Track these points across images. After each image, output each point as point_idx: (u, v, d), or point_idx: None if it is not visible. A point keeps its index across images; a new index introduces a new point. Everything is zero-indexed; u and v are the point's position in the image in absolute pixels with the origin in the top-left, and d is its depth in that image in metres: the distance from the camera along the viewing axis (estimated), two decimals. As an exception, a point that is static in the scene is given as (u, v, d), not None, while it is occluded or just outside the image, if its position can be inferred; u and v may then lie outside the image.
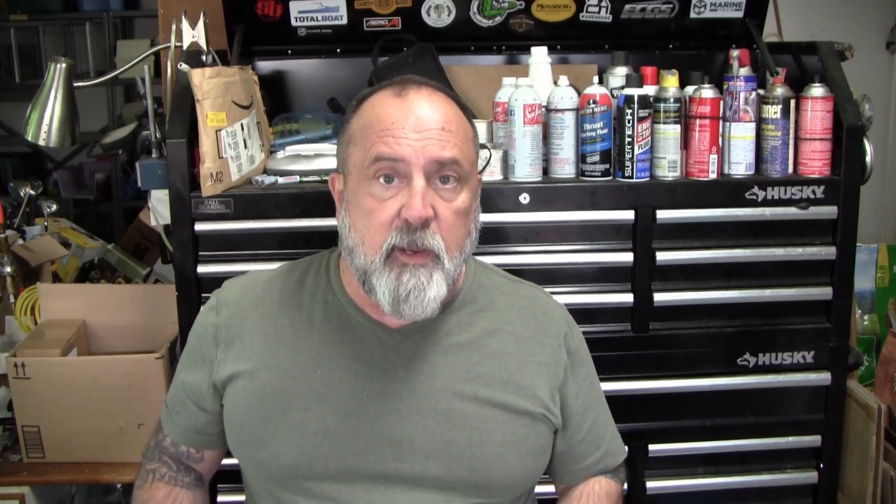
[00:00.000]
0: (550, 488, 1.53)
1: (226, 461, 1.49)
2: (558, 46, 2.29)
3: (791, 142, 1.95)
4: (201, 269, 1.84)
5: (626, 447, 1.53)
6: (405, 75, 1.34)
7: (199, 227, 1.83)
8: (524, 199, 1.87)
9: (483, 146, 1.91)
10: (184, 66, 1.81)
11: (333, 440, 1.29)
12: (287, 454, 1.29)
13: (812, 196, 1.92)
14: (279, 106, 2.27)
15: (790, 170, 1.96)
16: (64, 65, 1.84)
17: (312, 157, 1.91)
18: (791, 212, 1.93)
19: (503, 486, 1.33)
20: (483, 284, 1.41)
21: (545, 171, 1.93)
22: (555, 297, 1.88)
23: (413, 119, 1.24)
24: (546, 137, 1.92)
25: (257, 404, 1.32)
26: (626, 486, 1.95)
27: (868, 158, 1.95)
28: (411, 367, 1.31)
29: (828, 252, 1.95)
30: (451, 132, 1.26)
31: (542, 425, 1.36)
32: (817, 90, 1.94)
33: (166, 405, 1.46)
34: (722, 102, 1.92)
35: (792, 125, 1.94)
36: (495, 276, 1.46)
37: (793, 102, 1.94)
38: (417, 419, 1.29)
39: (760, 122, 1.94)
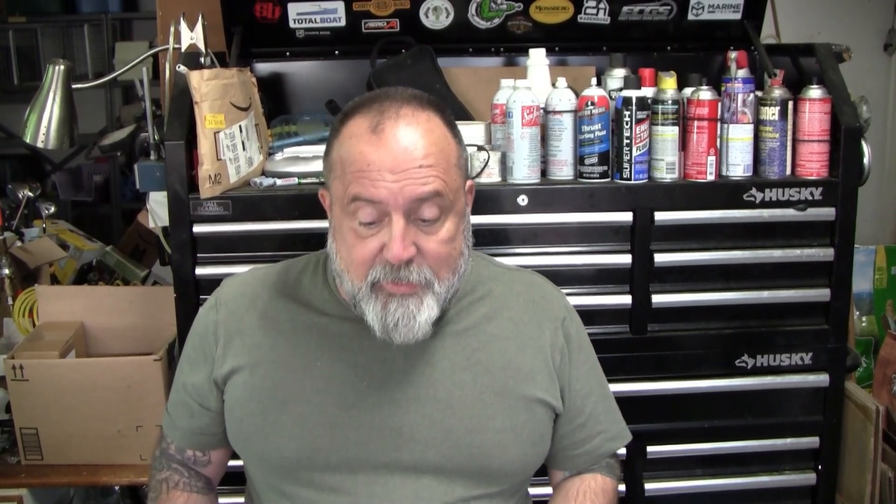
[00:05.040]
0: (549, 490, 1.53)
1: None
2: (556, 48, 2.30)
3: (789, 143, 1.95)
4: (200, 270, 1.84)
5: (630, 434, 1.51)
6: (388, 91, 1.30)
7: (198, 228, 1.83)
8: (522, 200, 1.87)
9: (481, 148, 1.92)
10: (182, 68, 1.81)
11: (334, 431, 1.30)
12: (288, 446, 1.30)
13: (810, 197, 1.93)
14: (277, 108, 2.27)
15: (788, 171, 1.97)
16: (62, 67, 1.84)
17: (311, 158, 1.91)
18: (789, 213, 1.93)
19: (502, 474, 1.34)
20: (481, 274, 1.42)
21: (543, 173, 1.94)
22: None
23: (389, 159, 1.21)
24: (544, 139, 1.92)
25: (258, 397, 1.33)
26: (622, 484, 1.95)
27: (866, 160, 1.95)
28: (410, 356, 1.32)
29: (826, 253, 1.96)
30: (430, 166, 1.22)
31: (541, 411, 1.37)
32: (815, 92, 1.94)
33: (167, 412, 1.46)
34: (720, 104, 1.92)
35: (790, 127, 1.95)
36: (492, 267, 1.47)
37: (791, 104, 1.94)
38: (417, 408, 1.30)
39: (758, 123, 1.95)
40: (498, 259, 1.52)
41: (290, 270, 1.43)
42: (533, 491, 1.51)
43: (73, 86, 1.87)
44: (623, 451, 1.95)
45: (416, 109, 1.26)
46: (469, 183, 1.35)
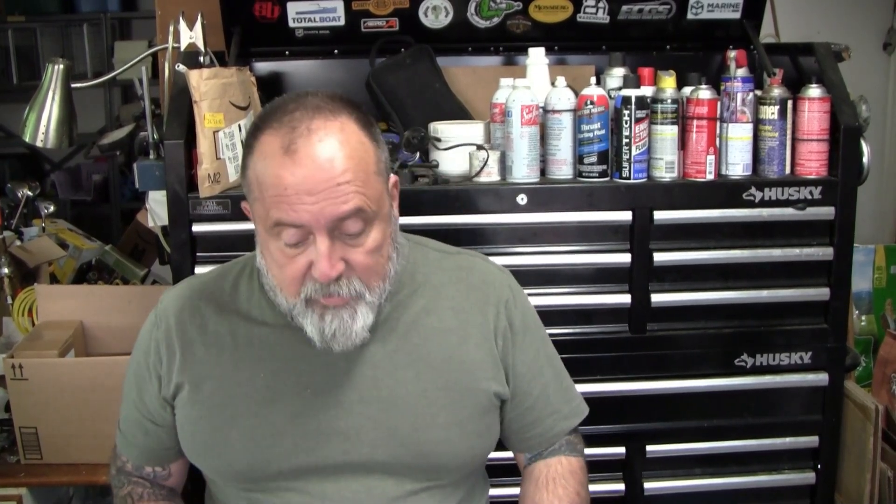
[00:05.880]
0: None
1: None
2: (556, 47, 2.30)
3: (788, 143, 1.95)
4: (199, 270, 1.83)
5: (588, 407, 1.48)
6: (298, 99, 1.23)
7: (197, 228, 1.83)
8: (522, 199, 1.87)
9: (480, 147, 1.92)
10: (181, 68, 1.81)
11: (283, 441, 1.30)
12: (240, 460, 1.31)
13: (809, 197, 1.93)
14: (277, 107, 2.27)
15: (787, 171, 1.97)
16: (62, 66, 1.84)
17: (310, 158, 1.91)
18: (788, 212, 1.93)
19: (450, 468, 1.35)
20: (418, 262, 1.39)
21: (543, 172, 1.94)
22: (552, 297, 1.90)
23: (306, 181, 1.16)
24: (543, 138, 1.92)
25: (206, 414, 1.33)
26: (621, 484, 1.95)
27: (865, 159, 1.96)
28: (351, 358, 1.31)
29: (825, 253, 1.96)
30: (348, 182, 1.18)
31: (488, 402, 1.36)
32: (814, 91, 1.94)
33: (120, 430, 1.45)
34: (719, 103, 1.92)
35: (789, 126, 1.95)
36: (430, 252, 1.43)
37: (790, 103, 1.94)
38: (362, 409, 1.31)
39: (757, 122, 1.95)
40: (438, 242, 1.47)
41: (226, 277, 1.42)
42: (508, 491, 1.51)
43: (73, 85, 1.87)
44: (622, 450, 1.97)
45: (328, 118, 1.20)
46: (393, 179, 1.31)
